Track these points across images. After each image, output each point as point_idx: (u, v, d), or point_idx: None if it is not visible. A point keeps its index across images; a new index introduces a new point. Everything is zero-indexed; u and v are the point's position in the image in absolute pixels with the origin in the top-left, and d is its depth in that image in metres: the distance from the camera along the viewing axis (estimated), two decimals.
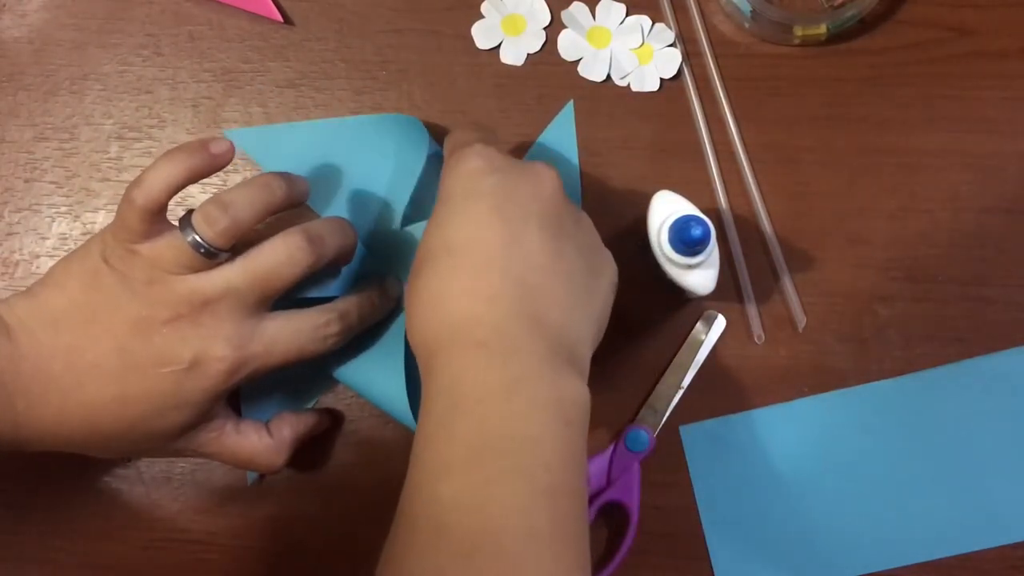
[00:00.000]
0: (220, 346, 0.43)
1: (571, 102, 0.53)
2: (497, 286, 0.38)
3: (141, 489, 0.52)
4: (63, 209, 0.54)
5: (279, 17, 0.55)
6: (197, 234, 0.42)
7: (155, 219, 0.43)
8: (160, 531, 0.52)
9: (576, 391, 0.38)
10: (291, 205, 0.46)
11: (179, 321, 0.42)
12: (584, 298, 0.41)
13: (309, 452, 0.52)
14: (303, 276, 0.44)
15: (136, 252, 0.43)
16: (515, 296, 0.38)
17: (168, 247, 0.42)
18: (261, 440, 0.47)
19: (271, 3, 0.55)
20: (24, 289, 0.45)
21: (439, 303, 0.39)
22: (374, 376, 0.49)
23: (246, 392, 0.51)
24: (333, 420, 0.52)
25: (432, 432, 0.37)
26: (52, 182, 0.55)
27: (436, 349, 0.38)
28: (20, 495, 0.52)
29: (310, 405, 0.52)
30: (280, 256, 0.43)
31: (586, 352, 0.40)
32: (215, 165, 0.44)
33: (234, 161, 0.54)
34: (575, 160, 0.53)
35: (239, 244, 0.43)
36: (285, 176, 0.46)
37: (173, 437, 0.44)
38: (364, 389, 0.49)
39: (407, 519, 0.36)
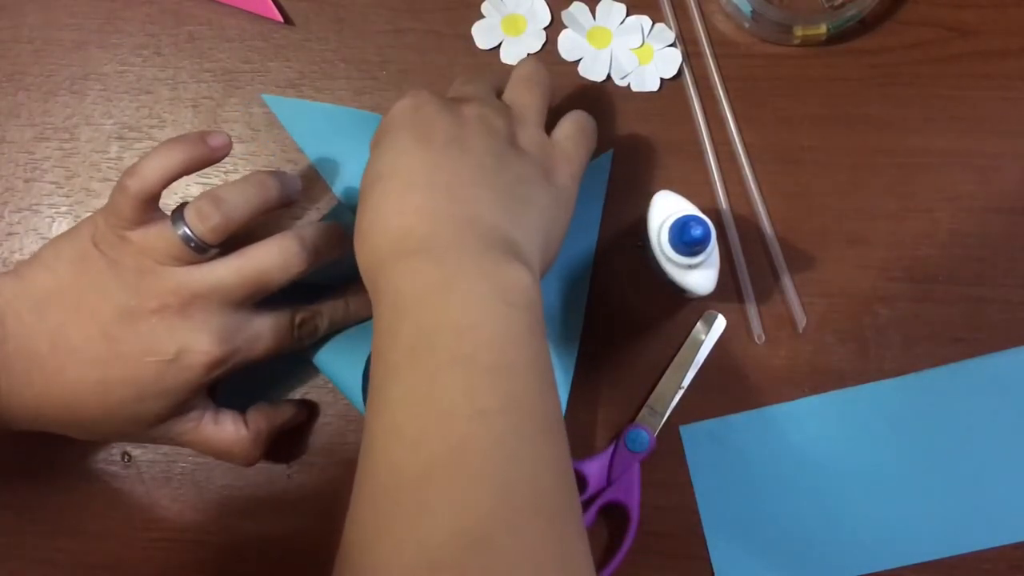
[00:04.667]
0: (205, 340, 0.43)
1: (611, 151, 0.53)
2: (424, 200, 0.39)
3: (141, 489, 0.52)
4: (63, 209, 0.54)
5: (279, 17, 0.55)
6: (188, 228, 0.43)
7: (147, 207, 0.43)
8: (160, 531, 0.52)
9: (516, 276, 0.38)
10: (284, 204, 0.46)
11: (166, 312, 0.43)
12: (518, 205, 0.41)
13: (311, 453, 0.52)
14: (293, 281, 0.45)
15: (127, 239, 0.43)
16: (442, 205, 0.39)
17: (159, 238, 0.43)
18: (238, 432, 0.47)
19: (271, 3, 0.55)
20: (10, 269, 0.45)
21: (373, 227, 0.40)
22: (339, 360, 0.49)
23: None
24: (344, 421, 0.52)
25: (380, 343, 0.38)
26: (52, 182, 0.55)
27: (378, 269, 0.39)
28: (21, 495, 0.52)
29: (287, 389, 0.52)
30: (274, 261, 0.44)
31: (531, 251, 0.41)
32: (212, 158, 0.44)
33: (241, 163, 0.54)
34: (599, 207, 0.52)
35: (230, 239, 0.44)
36: (280, 175, 0.46)
37: (151, 424, 0.45)
38: (330, 371, 0.50)
39: (366, 431, 0.36)
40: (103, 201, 0.54)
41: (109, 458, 0.52)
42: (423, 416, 0.35)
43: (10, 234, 0.54)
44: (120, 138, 0.55)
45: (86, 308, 0.43)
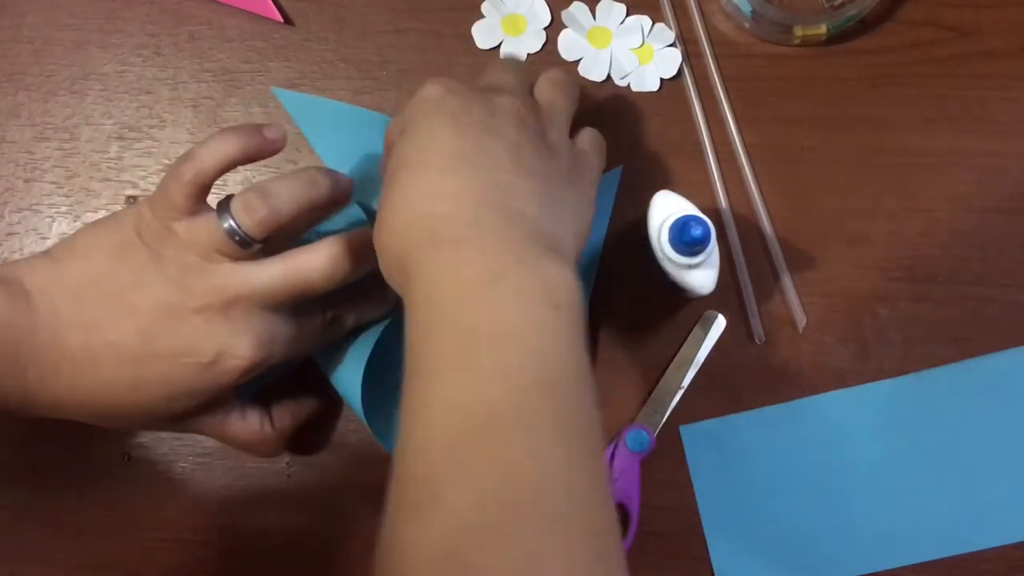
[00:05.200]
0: (244, 344, 0.42)
1: (620, 167, 0.53)
2: (461, 184, 0.38)
3: (141, 489, 0.52)
4: (63, 209, 0.54)
5: (279, 17, 0.55)
6: (234, 220, 0.41)
7: (200, 196, 0.42)
8: (160, 531, 0.52)
9: (562, 275, 0.36)
10: (333, 204, 0.45)
11: (209, 312, 0.42)
12: (553, 202, 0.39)
13: (310, 453, 0.52)
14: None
15: (172, 231, 0.42)
16: (484, 192, 0.37)
17: (203, 230, 0.42)
18: (263, 429, 0.47)
19: (271, 3, 0.55)
20: (45, 250, 0.43)
21: (402, 212, 0.38)
22: (339, 362, 0.48)
23: None
24: (344, 421, 0.52)
25: (418, 339, 0.36)
26: (52, 182, 0.55)
27: (409, 257, 0.37)
28: (20, 495, 0.52)
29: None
30: (321, 269, 0.43)
31: (570, 246, 0.39)
32: (268, 149, 0.43)
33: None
34: (606, 219, 0.52)
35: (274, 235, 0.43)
36: (332, 174, 0.44)
37: (178, 420, 0.44)
38: (328, 372, 0.49)
39: (402, 429, 0.34)
40: (103, 201, 0.54)
41: (109, 458, 0.52)
42: (465, 424, 0.33)
43: (10, 234, 0.54)
44: (120, 138, 0.55)
45: (124, 302, 0.41)
